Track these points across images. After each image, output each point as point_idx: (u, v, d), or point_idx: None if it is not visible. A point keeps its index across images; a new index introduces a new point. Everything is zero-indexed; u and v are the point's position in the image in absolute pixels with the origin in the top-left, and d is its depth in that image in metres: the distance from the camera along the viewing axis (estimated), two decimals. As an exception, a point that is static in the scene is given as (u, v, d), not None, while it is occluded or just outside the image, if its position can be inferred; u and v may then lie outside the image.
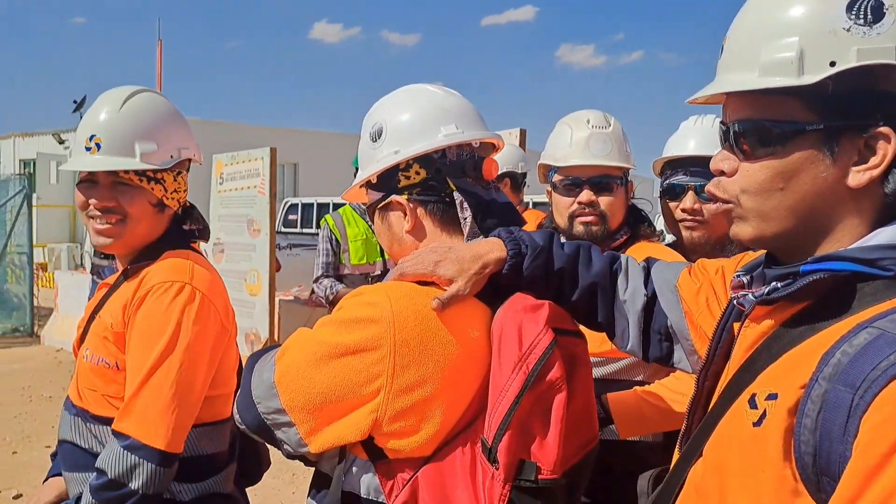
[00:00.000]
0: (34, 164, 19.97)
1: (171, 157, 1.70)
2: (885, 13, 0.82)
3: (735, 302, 0.98)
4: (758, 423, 0.81)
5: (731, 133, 0.91)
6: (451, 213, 1.32)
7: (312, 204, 14.97)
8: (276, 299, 6.18)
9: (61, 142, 20.37)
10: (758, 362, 0.88)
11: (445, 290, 1.21)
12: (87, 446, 1.64)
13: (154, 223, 1.71)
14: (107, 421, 1.61)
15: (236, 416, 1.28)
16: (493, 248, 1.25)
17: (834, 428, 0.73)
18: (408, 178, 1.31)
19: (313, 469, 1.37)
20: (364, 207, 4.06)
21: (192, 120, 2.01)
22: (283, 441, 1.22)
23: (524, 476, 1.13)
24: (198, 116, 19.72)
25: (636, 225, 2.09)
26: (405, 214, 1.32)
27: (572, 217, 2.01)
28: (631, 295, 1.30)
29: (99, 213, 1.65)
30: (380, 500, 1.20)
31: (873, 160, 0.83)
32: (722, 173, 0.94)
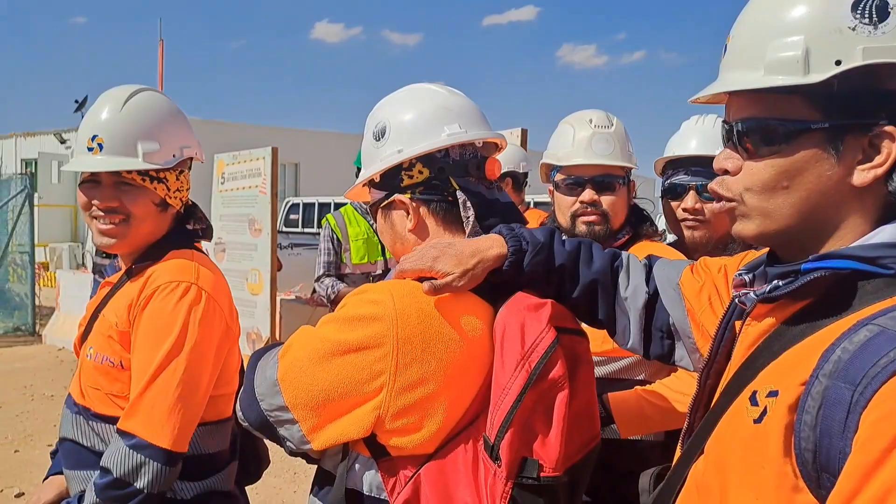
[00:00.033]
0: (36, 163, 19.98)
1: (174, 156, 1.70)
2: (889, 13, 0.83)
3: (737, 300, 0.98)
4: (758, 420, 0.82)
5: (735, 132, 0.91)
6: (453, 213, 1.32)
7: (314, 203, 14.98)
8: (278, 298, 6.19)
9: (63, 141, 20.39)
10: (759, 360, 0.88)
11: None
12: (88, 444, 1.65)
13: (157, 222, 1.71)
14: (109, 419, 1.61)
15: (239, 414, 1.28)
16: (493, 245, 1.25)
17: (834, 424, 0.74)
18: (411, 177, 1.32)
19: (315, 468, 1.38)
20: (365, 207, 4.08)
21: (194, 120, 2.02)
22: (285, 438, 1.23)
23: (526, 474, 1.13)
24: (199, 116, 19.74)
25: (638, 224, 2.09)
26: (408, 213, 1.33)
27: (574, 216, 2.01)
28: (632, 292, 1.30)
29: (102, 214, 1.65)
30: (382, 497, 1.21)
31: (878, 159, 0.84)
32: (726, 172, 0.94)
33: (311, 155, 21.51)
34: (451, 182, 1.31)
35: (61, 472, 1.76)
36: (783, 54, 0.85)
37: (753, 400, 0.84)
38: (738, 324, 1.00)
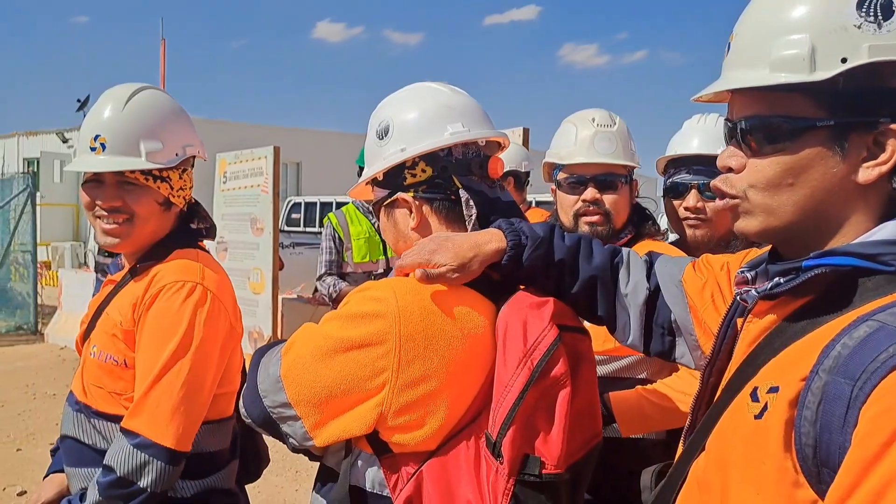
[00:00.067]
0: (38, 162, 20.01)
1: (177, 154, 1.69)
2: (894, 11, 0.83)
3: (739, 298, 0.99)
4: (759, 416, 0.82)
5: (739, 130, 0.92)
6: (456, 211, 1.32)
7: (315, 203, 15.00)
8: (280, 298, 6.19)
9: (65, 140, 20.42)
10: (760, 357, 0.89)
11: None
12: (90, 442, 1.65)
13: (161, 221, 1.71)
14: (111, 417, 1.62)
15: (242, 410, 1.29)
16: (492, 239, 1.25)
17: (834, 419, 0.74)
18: (414, 175, 1.32)
19: (316, 467, 1.38)
20: (367, 205, 4.09)
21: (196, 119, 2.02)
22: (288, 435, 1.23)
23: (528, 470, 1.13)
24: (201, 116, 19.73)
25: (641, 224, 2.09)
26: (411, 211, 1.33)
27: (577, 216, 2.01)
28: (633, 289, 1.30)
29: (105, 213, 1.65)
30: (384, 493, 1.21)
31: (883, 156, 0.84)
32: (729, 170, 0.94)
33: (312, 154, 21.51)
34: (454, 181, 1.31)
35: (62, 470, 1.77)
36: (789, 52, 0.86)
37: (754, 396, 0.84)
38: (739, 321, 1.00)
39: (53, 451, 1.89)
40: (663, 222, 2.51)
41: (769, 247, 1.00)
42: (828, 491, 0.73)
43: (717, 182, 0.97)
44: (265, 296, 5.89)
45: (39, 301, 10.25)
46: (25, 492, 4.49)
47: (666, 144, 2.29)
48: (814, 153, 0.86)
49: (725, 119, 0.97)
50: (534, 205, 6.49)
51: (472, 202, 1.31)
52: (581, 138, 2.03)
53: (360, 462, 1.24)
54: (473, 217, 1.31)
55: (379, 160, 1.36)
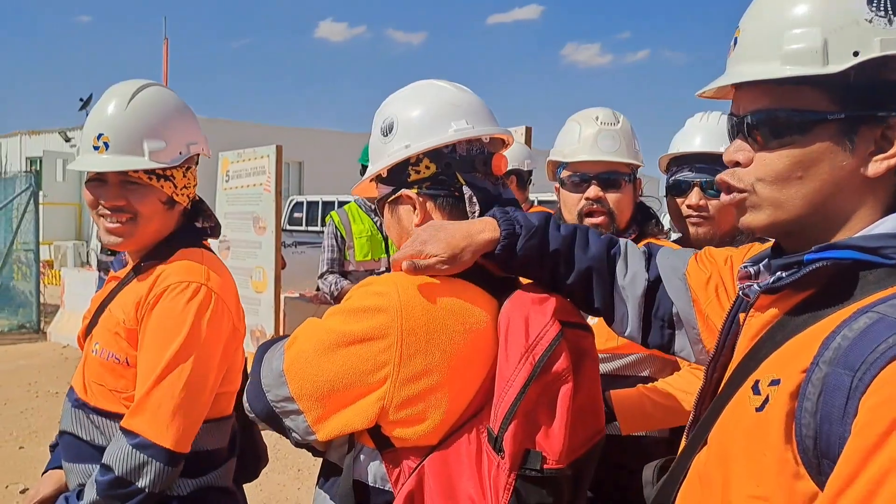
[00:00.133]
0: (40, 161, 20.00)
1: (180, 153, 1.68)
2: None
3: (741, 292, 0.99)
4: (760, 409, 0.83)
5: (747, 124, 0.92)
6: (460, 208, 1.32)
7: (317, 202, 14.99)
8: (282, 296, 6.19)
9: (67, 139, 20.44)
10: (762, 350, 0.89)
11: (449, 277, 1.23)
12: (88, 438, 1.65)
13: (164, 220, 1.70)
14: (110, 415, 1.62)
15: (246, 405, 1.29)
16: (485, 228, 1.24)
17: (834, 410, 0.75)
18: (418, 172, 1.32)
19: (319, 465, 1.39)
20: (369, 204, 4.10)
21: (199, 118, 2.02)
22: (291, 429, 1.24)
23: (529, 465, 1.14)
24: (204, 115, 19.73)
25: (644, 223, 2.10)
26: (415, 208, 1.33)
27: (581, 215, 2.01)
28: (631, 280, 1.28)
29: (109, 212, 1.64)
30: (386, 488, 1.22)
31: (892, 150, 0.85)
32: (736, 164, 0.95)
33: (314, 154, 21.51)
34: (458, 177, 1.32)
35: (61, 466, 1.76)
36: (801, 45, 0.86)
37: (756, 389, 0.85)
38: (742, 316, 1.00)
39: (53, 447, 1.89)
40: (666, 221, 2.51)
41: (772, 241, 1.01)
42: (827, 481, 0.73)
43: (724, 176, 0.97)
44: (267, 295, 5.89)
45: (42, 300, 10.26)
46: (28, 489, 4.50)
47: (668, 144, 2.29)
48: (824, 146, 0.87)
49: (730, 114, 0.97)
50: (536, 204, 6.49)
51: (475, 199, 1.31)
52: (585, 136, 2.04)
53: (362, 456, 1.25)
54: (476, 214, 1.31)
55: (383, 157, 1.36)
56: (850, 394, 0.73)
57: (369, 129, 1.45)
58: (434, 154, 1.31)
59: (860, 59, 0.83)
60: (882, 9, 0.84)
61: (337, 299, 3.94)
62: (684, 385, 1.79)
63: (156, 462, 1.49)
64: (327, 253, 4.10)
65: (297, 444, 1.27)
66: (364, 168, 3.36)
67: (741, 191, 0.94)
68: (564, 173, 2.08)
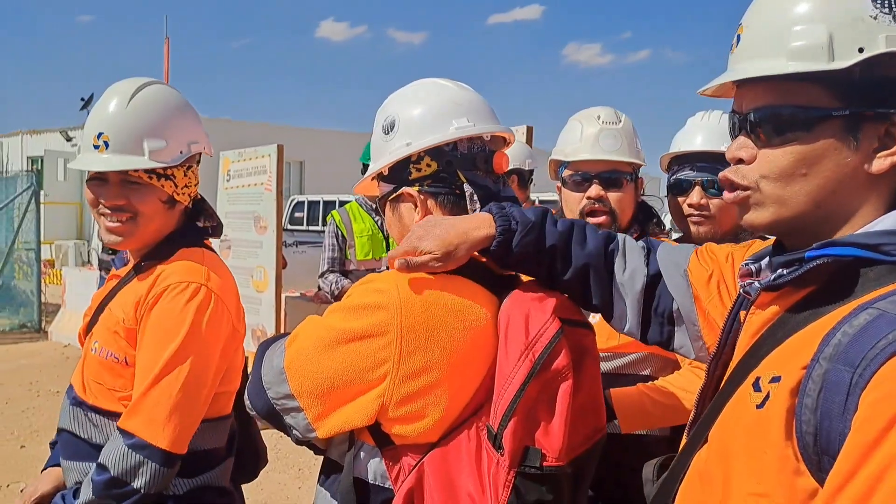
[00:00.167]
0: (42, 161, 20.01)
1: (181, 152, 1.67)
2: None
3: (742, 290, 0.99)
4: (761, 406, 0.83)
5: (750, 121, 0.92)
6: (461, 205, 1.32)
7: (318, 202, 15.00)
8: (283, 296, 6.19)
9: (69, 139, 20.46)
10: (763, 348, 0.89)
11: (449, 275, 1.23)
12: (85, 436, 1.64)
13: (165, 219, 1.69)
14: (108, 413, 1.61)
15: (247, 402, 1.29)
16: (481, 225, 1.23)
17: (834, 407, 0.75)
18: (419, 170, 1.32)
19: (319, 465, 1.39)
20: (371, 203, 4.10)
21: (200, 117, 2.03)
22: (291, 427, 1.24)
23: (529, 463, 1.13)
24: (205, 114, 19.64)
25: (646, 222, 2.10)
26: (416, 206, 1.33)
27: (583, 214, 2.01)
28: (630, 276, 1.27)
29: (109, 211, 1.63)
30: (386, 485, 1.22)
31: (895, 147, 0.85)
32: (739, 161, 0.94)
33: (315, 153, 21.52)
34: (459, 175, 1.31)
35: (59, 465, 1.76)
36: (806, 41, 0.86)
37: (756, 386, 0.85)
38: (743, 313, 1.00)
39: (52, 445, 1.89)
40: (667, 220, 2.51)
41: (773, 239, 1.00)
42: (827, 477, 0.73)
43: (727, 173, 0.96)
44: (268, 294, 5.89)
45: (43, 299, 10.27)
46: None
47: (669, 144, 2.29)
48: (828, 143, 0.87)
49: (731, 112, 0.97)
50: (537, 203, 6.48)
51: (476, 197, 1.31)
52: (586, 135, 2.04)
53: (362, 454, 1.25)
54: (477, 211, 1.31)
55: (384, 155, 1.36)
56: (851, 390, 0.73)
57: (370, 128, 1.45)
58: (435, 152, 1.31)
59: (865, 55, 0.84)
60: (886, 6, 0.84)
61: (337, 298, 3.93)
62: (684, 383, 1.78)
63: (151, 463, 1.49)
64: (328, 252, 4.11)
65: (298, 442, 1.27)
66: (366, 167, 3.36)
67: (745, 188, 0.93)
68: (566, 172, 2.08)
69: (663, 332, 1.27)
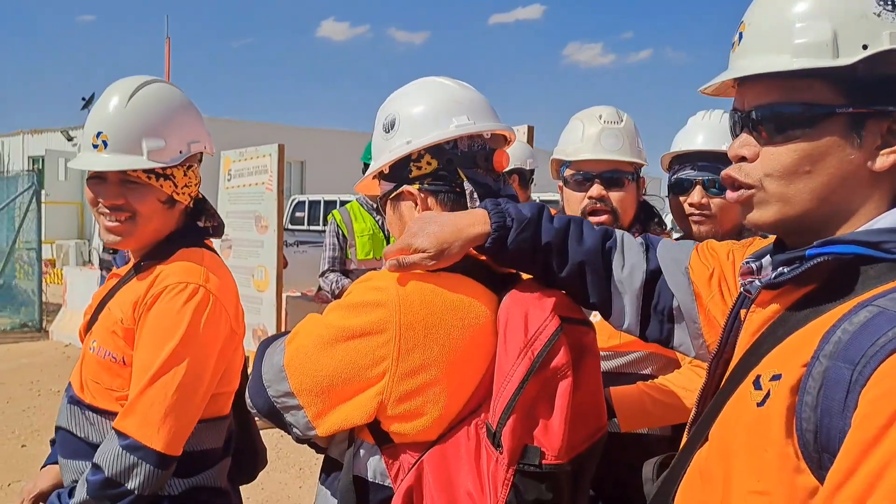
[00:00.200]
0: (43, 160, 20.00)
1: (181, 152, 1.65)
2: None
3: (743, 288, 0.99)
4: (761, 404, 0.82)
5: (753, 118, 0.92)
6: (461, 203, 1.32)
7: (319, 201, 15.00)
8: (284, 295, 6.19)
9: (70, 139, 20.46)
10: (763, 346, 0.89)
11: (448, 273, 1.23)
12: (82, 435, 1.64)
13: (164, 219, 1.68)
14: (105, 413, 1.61)
15: (248, 401, 1.29)
16: (475, 221, 1.22)
17: (834, 404, 0.74)
18: (419, 168, 1.32)
19: (320, 465, 1.39)
20: (371, 203, 4.09)
21: (201, 116, 2.04)
22: (291, 425, 1.24)
23: (528, 461, 1.13)
24: (206, 114, 19.66)
25: (647, 221, 2.09)
26: (416, 204, 1.33)
27: (584, 214, 2.01)
28: (628, 273, 1.26)
29: (108, 211, 1.63)
30: (386, 483, 1.22)
31: None
32: (742, 159, 0.94)
33: (316, 153, 21.52)
34: (459, 173, 1.31)
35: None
36: (812, 38, 0.86)
37: (757, 384, 0.84)
38: (743, 312, 1.00)
39: (52, 442, 1.89)
40: (669, 220, 2.51)
41: (773, 237, 1.00)
42: (827, 475, 0.73)
43: (730, 171, 0.96)
44: (269, 293, 5.89)
45: (44, 298, 10.28)
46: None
47: (670, 143, 2.28)
48: (832, 140, 0.87)
49: (733, 109, 0.96)
50: (538, 203, 6.46)
51: (476, 195, 1.31)
52: (588, 135, 2.04)
53: (362, 452, 1.25)
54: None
55: (385, 153, 1.36)
56: (850, 387, 0.73)
57: (371, 128, 1.45)
58: (435, 150, 1.31)
59: (869, 52, 0.83)
60: (890, 3, 0.84)
61: (338, 298, 3.93)
62: (684, 382, 1.78)
63: (145, 464, 1.48)
64: (328, 251, 4.11)
65: (299, 440, 1.27)
66: (367, 166, 3.36)
67: (749, 186, 0.93)
68: (568, 172, 2.07)
69: (663, 330, 1.27)
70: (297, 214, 15.18)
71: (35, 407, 6.18)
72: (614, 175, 2.01)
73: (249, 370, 1.34)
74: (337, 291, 3.95)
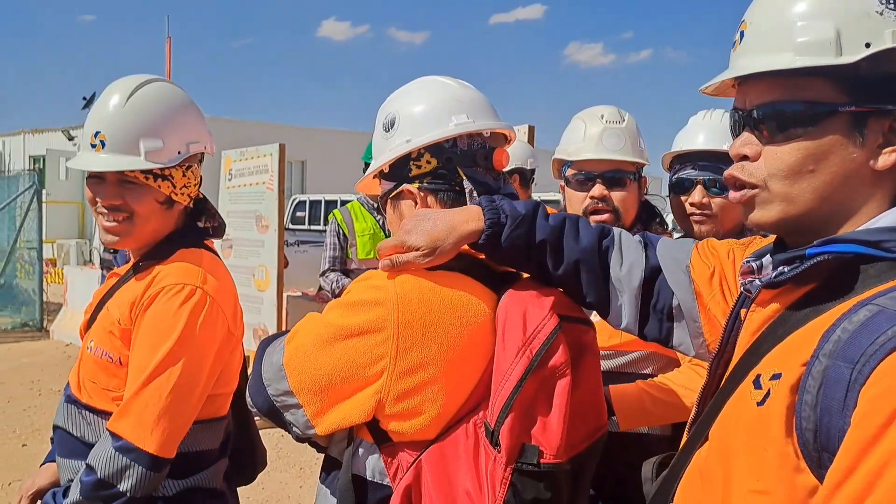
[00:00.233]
0: (44, 160, 20.01)
1: (179, 153, 1.64)
2: None
3: (743, 288, 0.98)
4: (761, 403, 0.82)
5: (754, 117, 0.91)
6: (461, 202, 1.32)
7: (320, 201, 15.01)
8: (284, 295, 6.19)
9: (71, 138, 20.47)
10: (763, 345, 0.89)
11: (447, 271, 1.23)
12: (78, 434, 1.64)
13: (163, 220, 1.67)
14: (101, 412, 1.61)
15: (248, 400, 1.29)
16: (469, 218, 1.21)
17: (833, 403, 0.74)
18: (419, 166, 1.32)
19: (320, 465, 1.39)
20: (372, 202, 4.09)
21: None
22: (291, 423, 1.24)
23: (526, 460, 1.13)
24: (207, 113, 19.67)
25: (649, 221, 2.09)
26: (416, 203, 1.33)
27: (586, 213, 2.01)
28: (627, 271, 1.25)
29: (106, 211, 1.62)
30: (385, 482, 1.22)
31: None
32: (743, 158, 0.94)
33: (317, 153, 21.52)
34: (459, 172, 1.31)
35: None
36: (814, 36, 0.86)
37: (757, 383, 0.84)
38: (744, 312, 1.00)
39: (52, 441, 1.89)
40: (670, 220, 2.51)
41: (774, 236, 1.00)
42: (826, 473, 0.73)
43: (733, 171, 0.95)
44: (270, 293, 5.89)
45: (45, 298, 10.29)
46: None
47: (671, 143, 2.28)
48: (834, 139, 0.87)
49: (734, 109, 0.96)
50: (539, 203, 6.46)
51: (475, 193, 1.30)
52: (590, 135, 2.03)
53: (360, 451, 1.25)
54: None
55: (385, 152, 1.36)
56: (850, 386, 0.73)
57: (372, 128, 1.45)
58: (435, 148, 1.31)
59: (872, 50, 0.83)
60: (892, 2, 0.85)
61: (338, 297, 3.93)
62: (684, 381, 1.78)
63: (138, 466, 1.47)
64: (329, 251, 4.10)
65: (299, 439, 1.27)
66: (367, 166, 3.36)
67: (752, 186, 0.93)
68: (569, 171, 2.07)
69: (662, 329, 1.25)
70: (298, 214, 15.18)
71: (36, 406, 6.18)
72: (616, 175, 2.00)
73: (250, 370, 1.34)
74: (337, 291, 3.94)
